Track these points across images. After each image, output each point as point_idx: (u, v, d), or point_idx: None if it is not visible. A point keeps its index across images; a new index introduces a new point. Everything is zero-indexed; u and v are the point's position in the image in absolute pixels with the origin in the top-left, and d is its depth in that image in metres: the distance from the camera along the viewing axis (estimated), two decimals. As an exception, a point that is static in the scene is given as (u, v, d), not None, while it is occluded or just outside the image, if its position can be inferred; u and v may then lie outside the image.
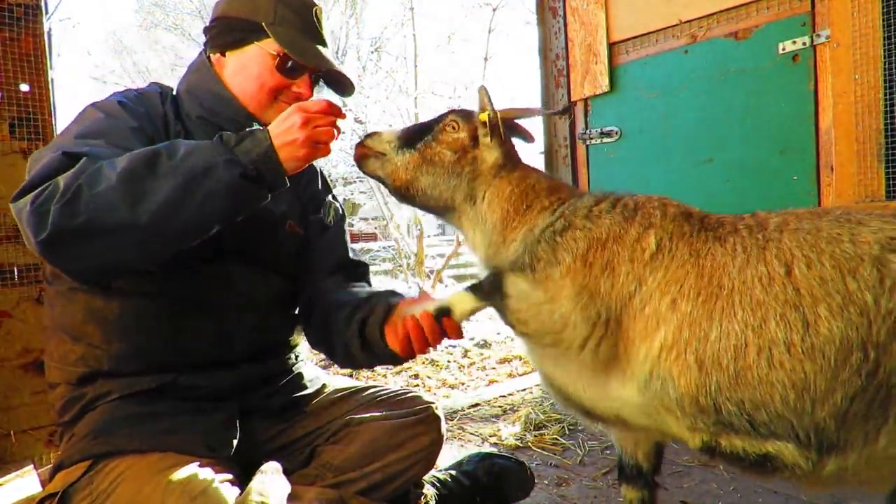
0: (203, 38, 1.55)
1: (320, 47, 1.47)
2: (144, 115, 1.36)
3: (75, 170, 1.08)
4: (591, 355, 1.12)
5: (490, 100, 1.36)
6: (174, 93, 1.51)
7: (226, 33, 1.46)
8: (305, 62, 1.43)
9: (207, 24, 1.52)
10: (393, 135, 1.42)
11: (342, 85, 1.57)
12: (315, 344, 1.58)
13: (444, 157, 1.38)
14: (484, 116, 1.36)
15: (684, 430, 1.10)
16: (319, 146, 1.22)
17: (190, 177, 1.09)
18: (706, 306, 1.06)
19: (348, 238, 1.74)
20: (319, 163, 1.75)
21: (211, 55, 1.49)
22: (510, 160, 1.41)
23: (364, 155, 1.43)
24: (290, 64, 1.43)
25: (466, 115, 1.42)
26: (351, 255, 1.69)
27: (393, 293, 1.42)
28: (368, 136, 1.43)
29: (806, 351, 0.98)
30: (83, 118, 1.31)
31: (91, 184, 1.06)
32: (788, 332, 1.00)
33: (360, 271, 1.68)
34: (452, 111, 1.43)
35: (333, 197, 1.74)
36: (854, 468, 1.01)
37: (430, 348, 1.22)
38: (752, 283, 1.04)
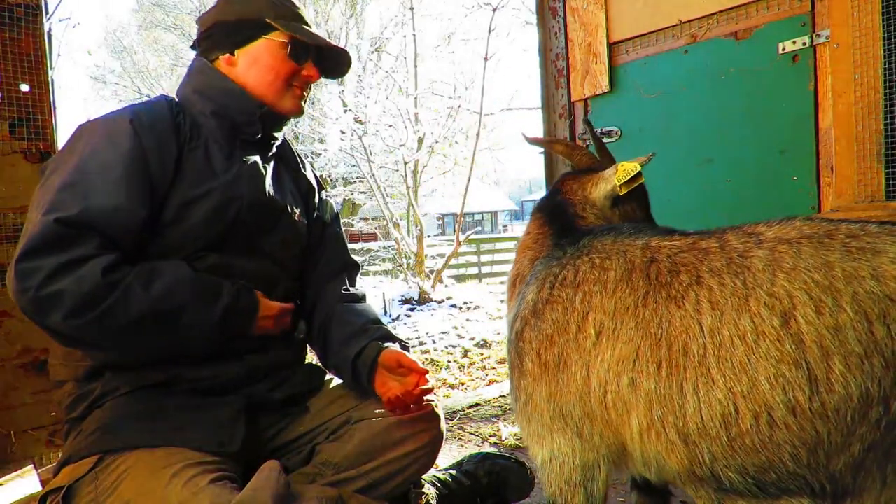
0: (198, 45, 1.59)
1: (313, 29, 1.60)
2: (149, 127, 1.37)
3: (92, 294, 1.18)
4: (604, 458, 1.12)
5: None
6: (176, 99, 1.52)
7: (232, 34, 1.52)
8: (313, 42, 1.54)
9: (200, 34, 1.56)
10: None
11: (340, 63, 1.66)
12: (311, 342, 1.74)
13: None
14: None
15: (690, 491, 1.07)
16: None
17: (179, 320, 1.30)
18: (673, 378, 0.98)
19: (346, 237, 1.84)
20: (319, 163, 1.80)
21: (220, 56, 1.54)
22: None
23: None
24: (298, 50, 1.54)
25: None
26: (349, 255, 1.81)
27: (384, 334, 1.61)
28: None
29: (815, 411, 0.88)
30: (86, 145, 1.31)
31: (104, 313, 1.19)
32: (790, 392, 0.89)
33: (355, 274, 1.80)
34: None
35: (327, 195, 1.84)
36: None
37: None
38: (732, 343, 0.94)
